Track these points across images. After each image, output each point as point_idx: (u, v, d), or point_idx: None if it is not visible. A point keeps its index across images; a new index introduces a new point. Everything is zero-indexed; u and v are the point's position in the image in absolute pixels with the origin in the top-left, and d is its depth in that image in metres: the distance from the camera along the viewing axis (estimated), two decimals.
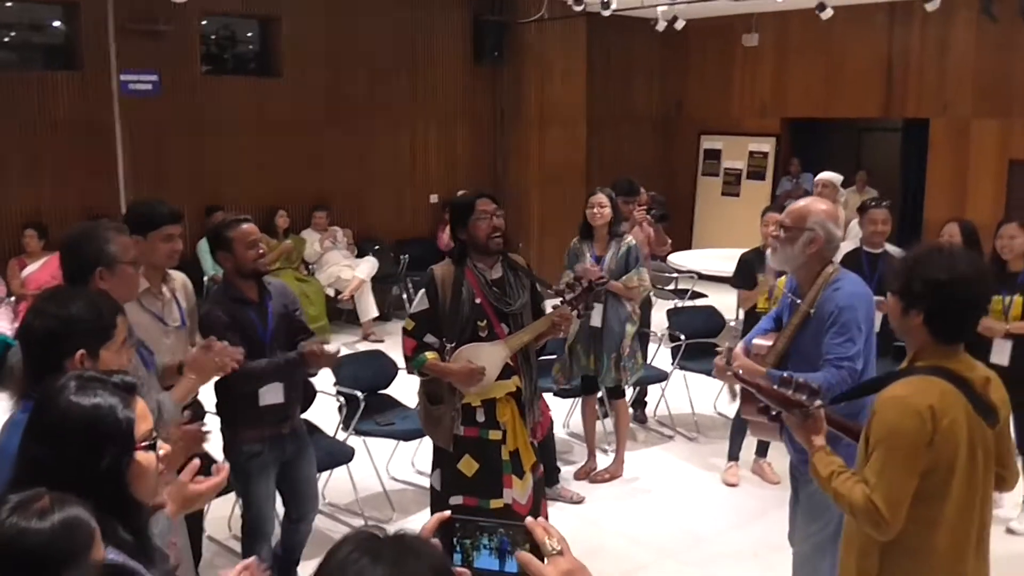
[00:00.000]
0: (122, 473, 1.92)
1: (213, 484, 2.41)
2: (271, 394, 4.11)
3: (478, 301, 4.04)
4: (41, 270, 7.86)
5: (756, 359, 3.49)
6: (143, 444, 1.96)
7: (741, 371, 3.23)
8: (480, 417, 4.10)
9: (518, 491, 4.14)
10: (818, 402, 2.72)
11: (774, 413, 2.78)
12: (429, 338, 4.05)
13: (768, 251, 3.90)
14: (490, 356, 4.03)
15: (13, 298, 7.87)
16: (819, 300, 3.40)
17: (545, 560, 1.51)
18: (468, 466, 4.10)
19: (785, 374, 2.80)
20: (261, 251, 4.10)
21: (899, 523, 2.50)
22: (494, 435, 4.11)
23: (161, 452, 2.03)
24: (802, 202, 3.56)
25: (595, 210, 5.69)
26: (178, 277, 4.07)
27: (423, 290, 4.08)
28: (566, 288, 4.34)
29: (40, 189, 8.49)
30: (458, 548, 1.60)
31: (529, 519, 1.56)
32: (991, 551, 2.75)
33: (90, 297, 2.58)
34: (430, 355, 4.02)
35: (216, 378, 3.74)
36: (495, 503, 4.08)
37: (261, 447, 4.12)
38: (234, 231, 4.00)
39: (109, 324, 2.51)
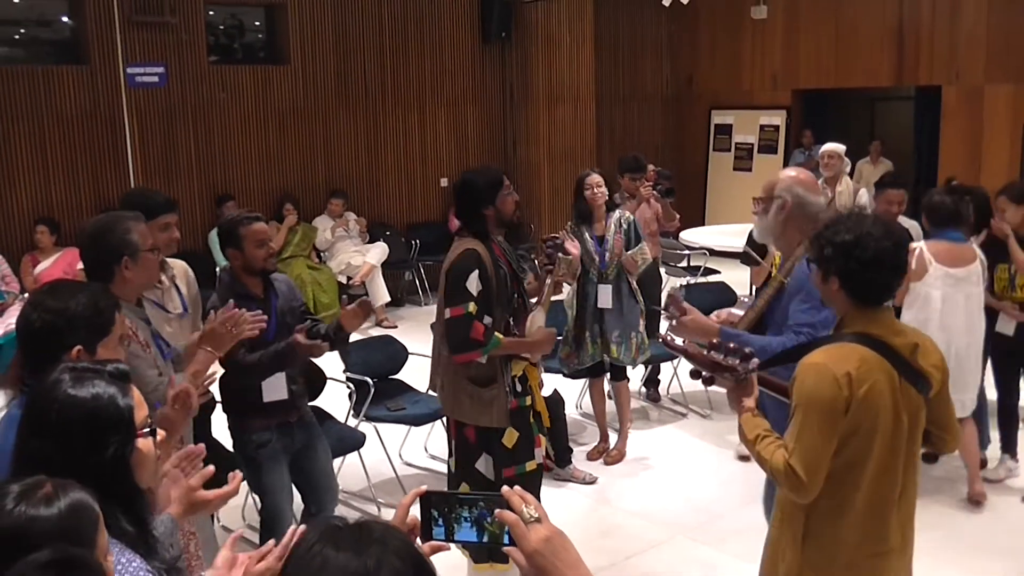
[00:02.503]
0: (126, 461, 1.94)
1: (222, 493, 2.38)
2: (273, 390, 4.12)
3: (509, 273, 4.11)
4: (54, 266, 7.91)
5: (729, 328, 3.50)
6: (142, 431, 1.97)
7: (679, 324, 3.24)
8: (519, 387, 4.14)
9: (543, 448, 4.28)
10: (751, 365, 2.72)
11: (706, 377, 2.80)
12: (487, 319, 3.99)
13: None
14: (543, 321, 4.15)
15: (27, 295, 7.93)
16: (794, 271, 3.41)
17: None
18: (510, 438, 4.11)
19: (717, 338, 2.82)
20: (271, 251, 4.12)
21: (817, 486, 2.55)
22: (528, 401, 4.17)
23: (159, 437, 2.04)
24: (780, 173, 3.59)
25: (595, 191, 5.67)
26: (178, 265, 4.09)
27: (476, 271, 3.95)
28: (545, 259, 4.39)
29: (50, 184, 8.55)
30: (440, 522, 1.60)
31: (505, 488, 1.55)
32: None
33: (89, 292, 2.59)
34: (498, 334, 3.99)
35: (219, 374, 3.80)
36: (530, 465, 4.14)
37: (269, 435, 4.13)
38: (245, 229, 4.02)
39: (107, 320, 2.53)
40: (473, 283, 3.94)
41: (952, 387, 4.88)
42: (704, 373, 2.81)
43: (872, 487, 2.60)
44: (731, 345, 2.77)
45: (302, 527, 1.78)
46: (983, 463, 5.64)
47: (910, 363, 2.61)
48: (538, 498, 4.14)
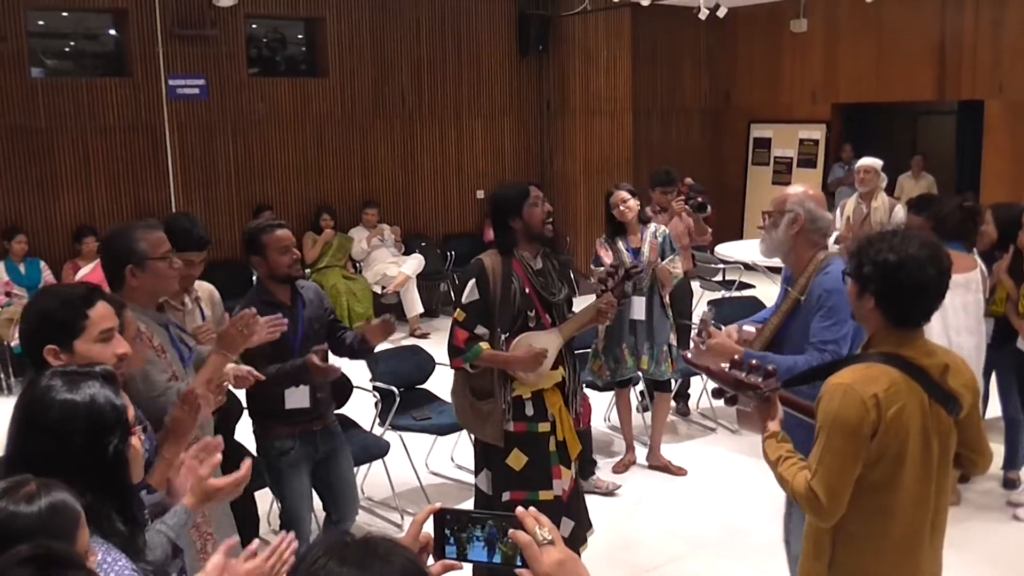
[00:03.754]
0: (125, 458, 1.99)
1: (233, 480, 2.43)
2: (296, 398, 4.15)
3: (527, 291, 4.00)
4: (93, 272, 8.03)
5: (744, 346, 3.45)
6: (134, 428, 2.03)
7: (707, 347, 3.18)
8: (529, 411, 4.05)
9: (566, 481, 4.13)
10: (773, 383, 2.63)
11: (729, 395, 2.71)
12: (480, 329, 3.97)
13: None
14: (547, 343, 4.00)
15: None
16: (810, 286, 3.37)
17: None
18: (516, 460, 4.04)
19: (735, 355, 2.73)
20: (296, 257, 4.14)
21: (838, 511, 2.47)
22: (543, 427, 4.06)
23: (141, 436, 2.10)
24: (787, 189, 3.57)
25: (622, 208, 5.68)
26: (203, 287, 4.15)
27: (473, 280, 3.98)
28: (606, 277, 4.33)
29: (93, 193, 8.73)
30: (452, 540, 1.59)
31: (520, 509, 1.55)
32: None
33: (61, 292, 2.61)
34: (484, 345, 3.96)
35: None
36: (544, 495, 4.03)
37: (292, 443, 4.17)
38: (268, 236, 4.06)
39: (73, 318, 2.48)
40: (467, 291, 4.00)
41: None
42: (727, 392, 2.74)
43: (903, 515, 2.52)
44: (753, 363, 2.68)
45: (291, 534, 1.84)
46: (1015, 482, 5.55)
47: (940, 385, 2.51)
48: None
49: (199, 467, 2.48)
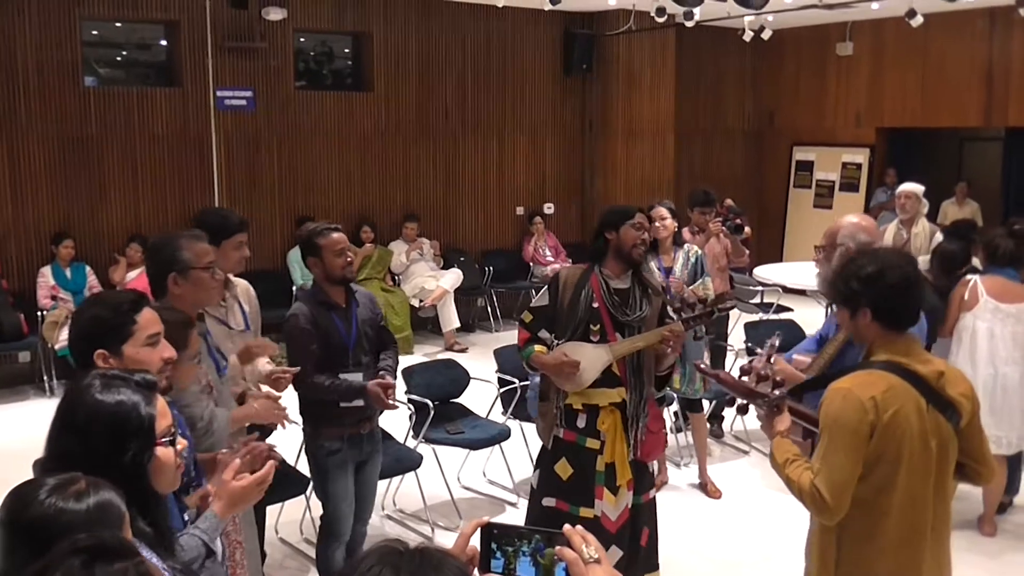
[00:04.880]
0: (143, 466, 2.04)
1: (255, 479, 2.48)
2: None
3: (596, 305, 4.05)
4: (139, 278, 8.19)
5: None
6: (163, 439, 2.08)
7: (774, 373, 3.23)
8: (580, 423, 4.10)
9: (608, 505, 4.08)
10: (779, 392, 2.84)
11: (742, 404, 2.90)
12: (543, 334, 4.14)
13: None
14: (590, 357, 4.02)
15: None
16: None
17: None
18: (563, 469, 4.12)
19: (746, 362, 2.91)
20: (349, 259, 4.25)
21: (842, 508, 2.61)
22: (591, 443, 4.08)
23: (179, 447, 2.14)
24: (839, 221, 3.59)
25: (658, 224, 5.68)
26: (240, 283, 4.24)
27: (546, 287, 4.22)
28: (686, 307, 4.28)
29: (139, 201, 8.90)
30: (499, 554, 1.59)
31: (567, 527, 1.57)
32: None
33: (109, 299, 2.69)
34: (538, 347, 4.12)
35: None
36: (585, 512, 4.06)
37: (340, 444, 4.26)
38: (324, 239, 4.18)
39: (123, 322, 2.54)
40: (538, 296, 4.26)
41: (996, 422, 5.00)
42: (738, 400, 2.93)
43: (902, 515, 2.64)
44: (763, 372, 2.88)
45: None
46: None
47: (938, 391, 2.65)
48: None
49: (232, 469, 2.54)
